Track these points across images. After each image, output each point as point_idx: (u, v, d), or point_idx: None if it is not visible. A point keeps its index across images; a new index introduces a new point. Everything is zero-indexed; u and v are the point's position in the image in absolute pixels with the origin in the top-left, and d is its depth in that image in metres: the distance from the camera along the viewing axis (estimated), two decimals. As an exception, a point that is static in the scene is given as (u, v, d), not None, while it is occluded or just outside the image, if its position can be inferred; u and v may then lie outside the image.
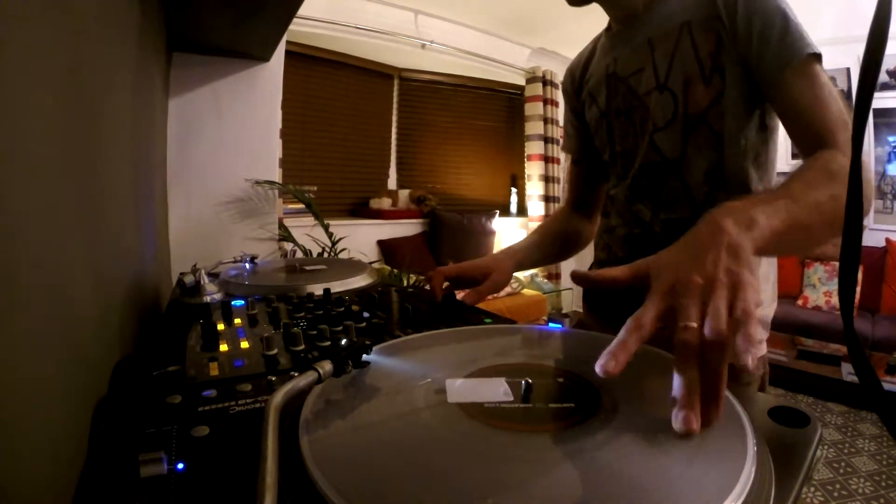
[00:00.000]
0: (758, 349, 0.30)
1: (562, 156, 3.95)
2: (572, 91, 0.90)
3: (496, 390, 0.37)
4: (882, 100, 3.16)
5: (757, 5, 0.63)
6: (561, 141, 3.87)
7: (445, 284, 0.76)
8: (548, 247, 0.96)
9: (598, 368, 0.32)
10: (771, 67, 0.63)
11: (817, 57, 0.62)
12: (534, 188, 3.77)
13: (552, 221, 1.01)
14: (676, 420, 0.30)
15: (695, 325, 0.33)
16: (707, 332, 0.32)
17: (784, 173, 0.63)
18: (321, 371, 0.35)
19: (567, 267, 3.95)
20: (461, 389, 0.37)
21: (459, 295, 0.75)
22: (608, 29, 0.82)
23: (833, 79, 3.34)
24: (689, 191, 0.70)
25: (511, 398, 0.35)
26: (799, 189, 0.50)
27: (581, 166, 0.95)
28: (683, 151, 0.70)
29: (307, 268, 0.94)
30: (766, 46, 0.62)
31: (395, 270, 2.68)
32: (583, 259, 1.02)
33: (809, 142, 0.61)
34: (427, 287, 0.76)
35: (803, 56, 0.61)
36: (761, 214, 0.43)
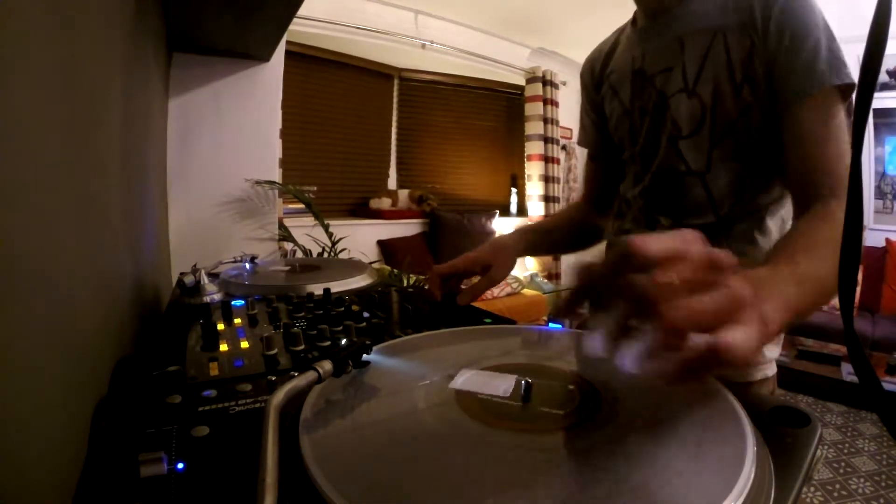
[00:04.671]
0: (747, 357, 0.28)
1: (562, 156, 3.95)
2: (591, 84, 0.85)
3: (503, 386, 0.36)
4: (882, 100, 3.17)
5: (791, 17, 0.57)
6: (561, 141, 3.90)
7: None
8: (563, 232, 0.91)
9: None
10: (789, 91, 0.58)
11: (843, 90, 0.56)
12: (534, 188, 3.78)
13: (570, 209, 0.96)
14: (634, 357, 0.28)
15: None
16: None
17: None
18: (321, 371, 0.35)
19: (567, 268, 3.95)
20: (470, 380, 0.37)
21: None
22: (633, 23, 0.78)
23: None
24: (714, 201, 0.67)
25: (513, 395, 0.35)
26: (809, 267, 0.44)
27: (598, 163, 0.90)
28: (709, 163, 0.66)
29: (301, 265, 0.95)
30: (792, 67, 0.57)
31: (395, 270, 2.68)
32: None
33: (809, 185, 0.56)
34: (427, 287, 0.76)
35: (824, 87, 0.56)
36: (792, 294, 0.39)
